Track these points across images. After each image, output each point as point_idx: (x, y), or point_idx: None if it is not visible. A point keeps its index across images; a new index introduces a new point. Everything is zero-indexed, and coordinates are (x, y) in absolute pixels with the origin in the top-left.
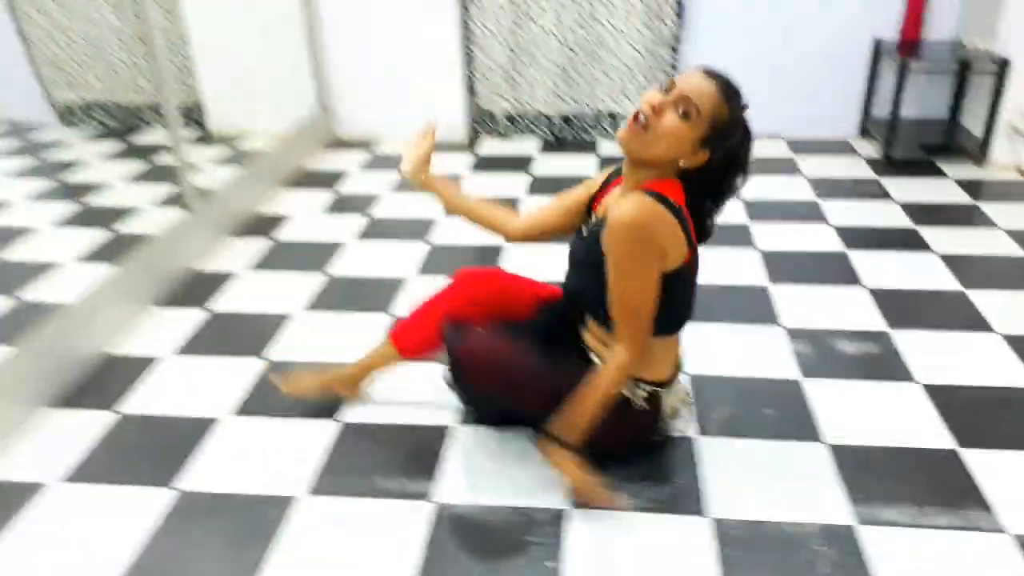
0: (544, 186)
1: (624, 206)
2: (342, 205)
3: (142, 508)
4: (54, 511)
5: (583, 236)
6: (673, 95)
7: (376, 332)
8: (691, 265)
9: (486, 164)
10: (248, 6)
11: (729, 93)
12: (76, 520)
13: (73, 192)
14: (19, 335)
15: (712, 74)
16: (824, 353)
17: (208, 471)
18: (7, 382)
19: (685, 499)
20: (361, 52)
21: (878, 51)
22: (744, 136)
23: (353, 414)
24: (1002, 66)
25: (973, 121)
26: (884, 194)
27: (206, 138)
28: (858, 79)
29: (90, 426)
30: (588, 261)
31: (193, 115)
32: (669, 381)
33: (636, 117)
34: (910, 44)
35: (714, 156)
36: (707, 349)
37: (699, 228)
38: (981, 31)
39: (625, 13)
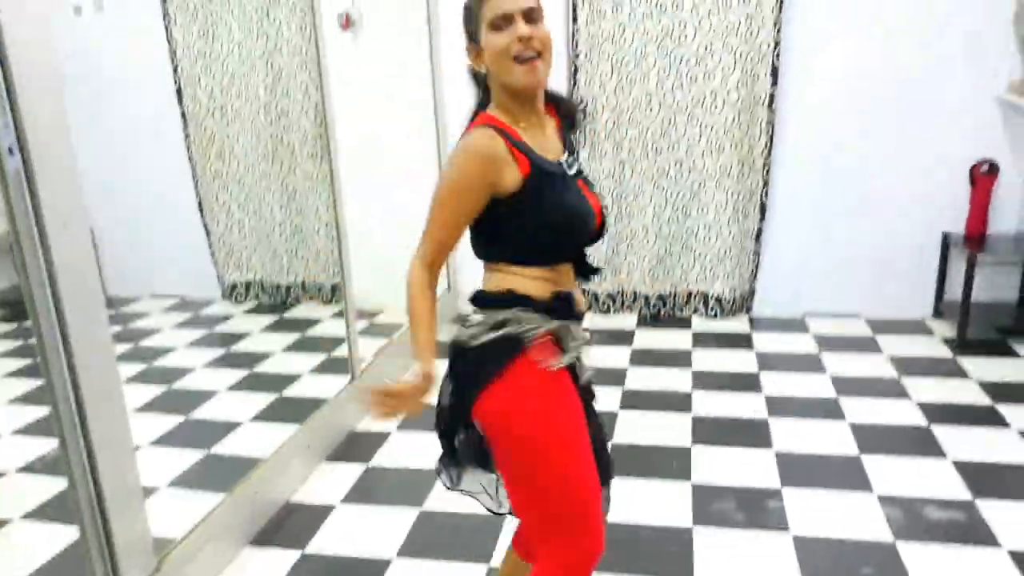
0: (644, 358)
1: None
2: None
3: None
4: None
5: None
6: (523, 14)
7: None
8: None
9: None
10: (394, 201)
11: None
12: None
13: (243, 361)
14: (224, 484)
15: None
16: (913, 519)
17: None
18: (221, 524)
19: None
20: None
21: (947, 243)
22: None
23: None
24: None
25: None
26: (961, 372)
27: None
28: (931, 264)
29: (281, 562)
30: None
31: (336, 291)
32: (542, 303)
33: (530, 60)
34: (976, 238)
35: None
36: (808, 512)
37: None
38: None
39: (715, 211)
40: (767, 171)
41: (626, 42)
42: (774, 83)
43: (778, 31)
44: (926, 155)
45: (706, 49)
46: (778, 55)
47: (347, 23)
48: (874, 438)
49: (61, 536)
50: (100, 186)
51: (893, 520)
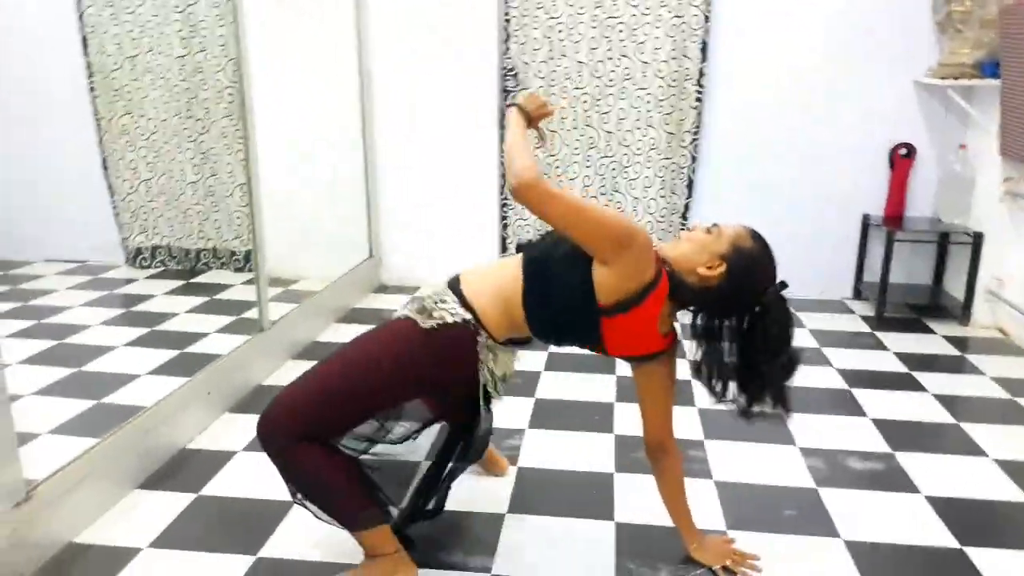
0: None
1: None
2: None
3: (221, 571)
4: (146, 571)
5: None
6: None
7: None
8: (603, 315)
9: None
10: (316, 165)
11: (758, 237)
12: None
13: (144, 319)
14: (110, 430)
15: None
16: (835, 468)
17: (281, 544)
18: (103, 466)
19: None
20: (409, 210)
21: (866, 224)
22: (773, 303)
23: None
24: (977, 238)
25: (955, 286)
26: (879, 345)
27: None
28: (851, 247)
29: (173, 504)
30: None
31: (249, 258)
32: (496, 339)
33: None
34: (894, 219)
35: (730, 272)
36: (730, 462)
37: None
38: (956, 211)
39: (643, 186)
40: (695, 148)
41: (557, 10)
42: (703, 59)
43: (708, 7)
44: (848, 137)
45: (636, 21)
46: (707, 31)
47: None
48: (794, 399)
49: None
50: None
51: (815, 469)
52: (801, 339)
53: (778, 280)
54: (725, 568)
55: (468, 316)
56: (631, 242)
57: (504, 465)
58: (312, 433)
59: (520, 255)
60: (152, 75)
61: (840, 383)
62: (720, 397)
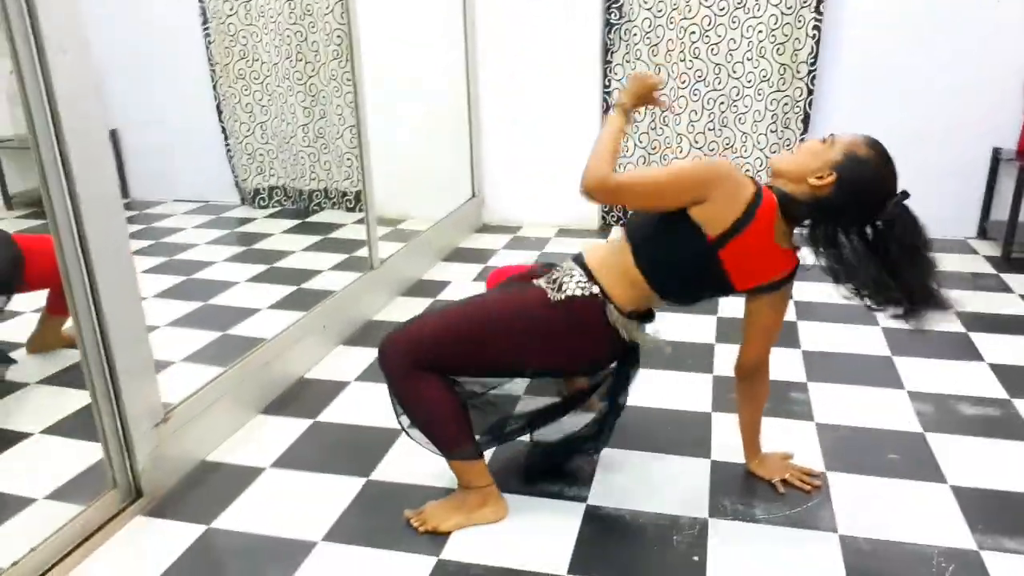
0: None
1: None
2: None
3: (335, 490)
4: (269, 489)
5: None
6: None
7: None
8: (717, 248)
9: None
10: (422, 108)
11: (875, 145)
12: (285, 496)
13: (263, 257)
14: (236, 359)
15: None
16: (945, 413)
17: (389, 468)
18: (230, 392)
19: (816, 517)
20: (511, 151)
21: (996, 159)
22: (897, 216)
23: None
24: None
25: None
26: (1004, 287)
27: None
28: (978, 184)
29: (292, 429)
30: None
31: (359, 199)
32: (625, 311)
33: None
34: None
35: (840, 181)
36: (833, 404)
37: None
38: None
39: (753, 120)
40: (812, 79)
41: None
42: None
43: None
44: (978, 67)
45: None
46: None
47: None
48: (908, 342)
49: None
50: (123, 91)
51: (923, 414)
52: None
53: (899, 191)
54: (784, 481)
55: (596, 290)
56: (714, 175)
57: (596, 402)
58: (429, 365)
59: (623, 229)
60: (264, 19)
61: (957, 326)
62: (875, 305)
